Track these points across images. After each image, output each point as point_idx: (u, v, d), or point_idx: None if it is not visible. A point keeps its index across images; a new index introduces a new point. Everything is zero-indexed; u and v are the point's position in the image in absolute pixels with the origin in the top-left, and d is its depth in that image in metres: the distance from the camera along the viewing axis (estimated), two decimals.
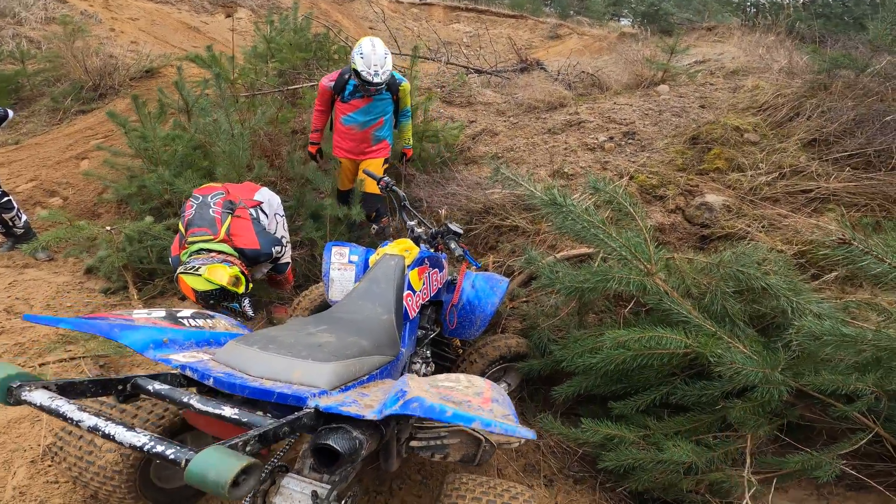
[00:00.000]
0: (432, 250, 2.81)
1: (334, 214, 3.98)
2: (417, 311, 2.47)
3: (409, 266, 2.50)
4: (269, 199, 3.46)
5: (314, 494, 1.70)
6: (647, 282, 2.38)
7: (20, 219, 4.75)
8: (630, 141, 5.26)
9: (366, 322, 2.12)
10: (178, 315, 1.98)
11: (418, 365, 2.44)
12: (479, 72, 8.36)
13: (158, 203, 4.59)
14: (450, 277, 3.01)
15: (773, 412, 2.30)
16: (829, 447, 2.28)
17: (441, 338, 3.13)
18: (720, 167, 4.60)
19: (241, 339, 1.75)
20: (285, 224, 3.57)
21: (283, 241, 3.38)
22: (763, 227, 3.66)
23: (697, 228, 3.80)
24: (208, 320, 2.06)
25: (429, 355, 2.62)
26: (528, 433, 1.23)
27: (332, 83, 3.96)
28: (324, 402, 1.49)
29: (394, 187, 3.08)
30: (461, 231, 2.87)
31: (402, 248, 2.58)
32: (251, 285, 3.12)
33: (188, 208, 3.08)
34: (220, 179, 4.10)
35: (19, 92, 7.75)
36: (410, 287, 2.43)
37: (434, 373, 3.38)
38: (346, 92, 3.94)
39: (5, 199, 4.60)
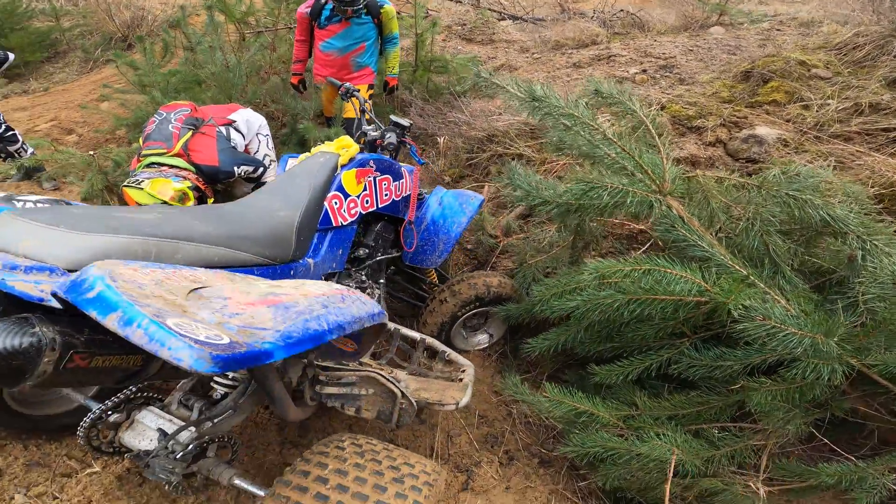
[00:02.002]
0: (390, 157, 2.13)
1: (316, 137, 3.40)
2: (351, 220, 1.82)
3: (343, 166, 1.85)
4: (247, 118, 3.14)
5: (160, 432, 1.37)
6: (655, 200, 1.59)
7: (26, 151, 4.67)
8: (667, 74, 4.25)
9: (248, 215, 1.53)
10: (17, 198, 1.46)
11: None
12: (514, 18, 7.35)
13: None
14: (426, 194, 2.33)
15: (813, 401, 1.49)
16: (880, 456, 1.49)
17: (415, 271, 2.51)
18: (777, 100, 3.57)
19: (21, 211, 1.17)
20: (270, 143, 3.27)
21: (267, 160, 3.13)
22: (829, 164, 2.70)
23: (742, 164, 2.88)
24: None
25: (370, 281, 1.96)
26: (194, 360, 0.66)
27: (309, 9, 3.57)
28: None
29: (355, 93, 2.39)
30: (407, 123, 2.17)
31: (339, 146, 1.92)
32: (211, 201, 2.80)
33: (150, 124, 2.84)
34: (209, 103, 3.82)
35: (55, 46, 7.78)
36: (342, 189, 1.79)
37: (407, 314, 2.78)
38: (323, 17, 3.54)
39: (9, 133, 4.60)
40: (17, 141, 4.55)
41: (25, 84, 7.04)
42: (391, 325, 2.10)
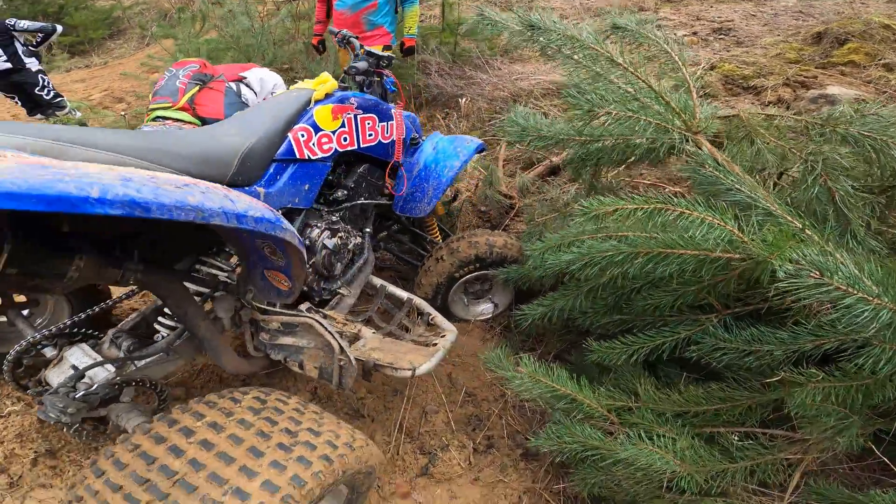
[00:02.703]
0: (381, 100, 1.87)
1: None
2: (323, 155, 1.59)
3: (318, 101, 1.61)
4: (261, 77, 3.00)
5: (73, 368, 1.24)
6: (679, 137, 1.22)
7: (74, 115, 5.06)
8: (721, 37, 3.70)
9: (189, 136, 1.36)
10: None
11: (316, 231, 1.55)
12: None
13: None
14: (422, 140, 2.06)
15: (881, 405, 1.06)
16: None
17: (419, 230, 2.26)
18: (856, 61, 2.98)
19: None
20: None
21: None
22: None
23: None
24: None
25: (347, 225, 1.71)
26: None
27: None
28: None
29: (351, 39, 2.13)
30: (385, 55, 1.91)
31: (317, 83, 1.68)
32: None
33: (160, 80, 2.79)
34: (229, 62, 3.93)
35: (116, 24, 8.18)
36: (314, 124, 1.57)
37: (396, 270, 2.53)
38: None
39: (58, 98, 4.86)
40: (65, 107, 4.80)
41: (87, 59, 7.37)
42: (377, 282, 1.86)
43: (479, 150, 2.02)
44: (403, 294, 1.81)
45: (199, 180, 0.85)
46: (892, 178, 1.27)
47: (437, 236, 2.26)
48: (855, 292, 0.88)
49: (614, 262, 1.18)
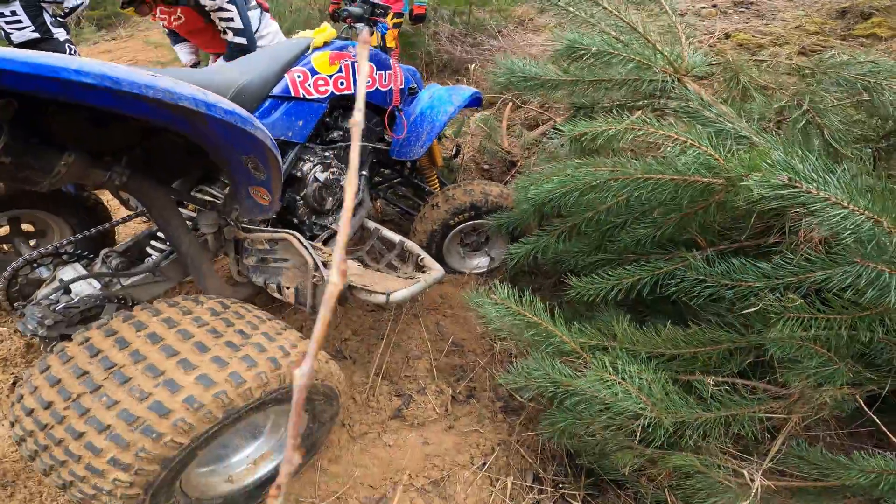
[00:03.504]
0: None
1: None
2: (318, 96, 1.64)
3: (317, 48, 1.66)
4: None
5: (60, 281, 1.27)
6: (662, 76, 1.20)
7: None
8: (742, 10, 3.58)
9: (187, 72, 1.47)
10: None
11: (308, 165, 1.60)
12: None
13: None
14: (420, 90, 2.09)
15: (867, 352, 1.03)
16: None
17: (416, 180, 2.29)
18: (878, 34, 2.87)
19: None
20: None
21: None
22: None
23: None
24: None
25: (341, 165, 1.75)
26: None
27: None
28: None
29: None
30: (379, 3, 1.94)
31: (316, 32, 1.74)
32: None
33: None
34: None
35: None
36: (311, 67, 1.63)
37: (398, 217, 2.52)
38: None
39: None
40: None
41: (114, 32, 7.56)
42: (371, 225, 1.89)
43: (475, 97, 2.04)
44: (396, 237, 1.83)
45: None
46: (893, 124, 1.23)
47: (437, 187, 2.28)
48: (827, 197, 0.86)
49: (593, 187, 1.17)
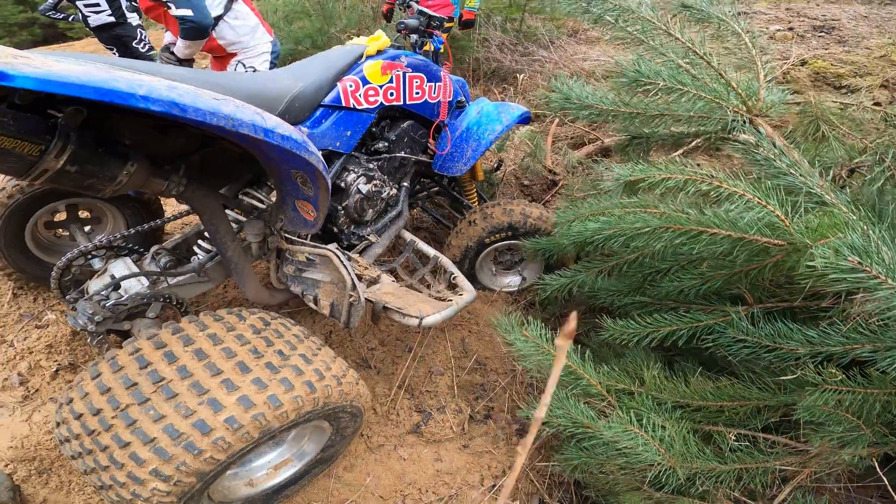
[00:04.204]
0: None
1: None
2: (368, 106, 1.65)
3: (370, 56, 1.66)
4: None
5: (111, 276, 1.32)
6: (734, 116, 1.14)
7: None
8: (821, 34, 3.37)
9: (247, 76, 1.46)
10: None
11: (352, 175, 1.63)
12: None
13: None
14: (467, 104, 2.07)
15: (891, 425, 1.00)
16: None
17: (458, 193, 2.28)
18: None
19: None
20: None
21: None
22: None
23: None
24: None
25: (384, 175, 1.76)
26: None
27: None
28: None
29: (412, 2, 2.15)
30: (437, 15, 1.93)
31: (370, 40, 1.74)
32: None
33: None
34: (309, 27, 4.07)
35: None
36: (362, 76, 1.63)
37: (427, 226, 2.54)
38: None
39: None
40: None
41: None
42: (407, 236, 1.90)
43: (524, 117, 2.00)
44: (431, 251, 1.84)
45: (239, 102, 0.91)
46: None
47: (475, 202, 2.27)
48: (894, 284, 0.80)
49: (642, 234, 1.14)
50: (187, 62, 2.70)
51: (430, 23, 1.92)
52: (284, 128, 0.91)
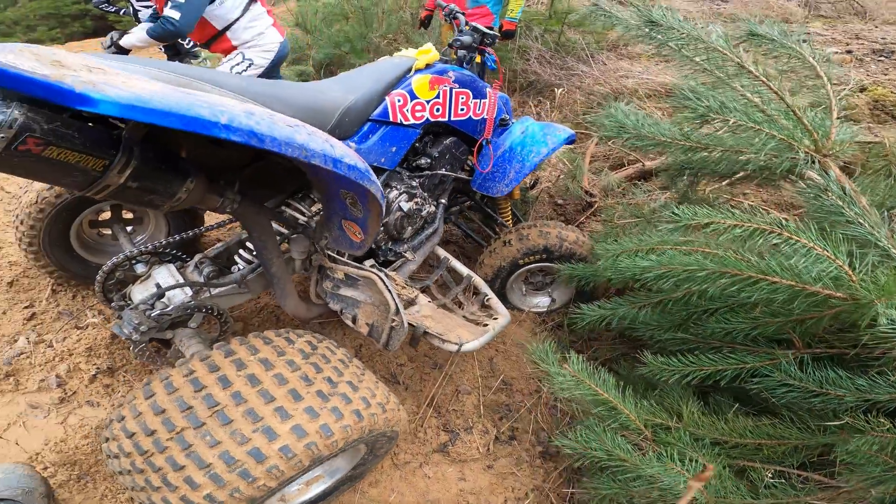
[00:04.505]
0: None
1: None
2: (414, 122, 1.64)
3: (419, 70, 1.65)
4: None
5: (157, 286, 1.32)
6: (806, 158, 1.11)
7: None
8: (881, 59, 3.26)
9: (300, 87, 1.43)
10: None
11: (394, 192, 1.63)
12: None
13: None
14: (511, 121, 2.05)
15: None
16: None
17: (491, 210, 2.26)
18: None
19: None
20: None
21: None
22: None
23: None
24: None
25: (424, 192, 1.76)
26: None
27: None
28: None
29: (458, 14, 2.13)
30: (490, 32, 1.88)
31: (419, 53, 1.73)
32: None
33: None
34: (349, 32, 4.09)
35: None
36: (410, 91, 1.62)
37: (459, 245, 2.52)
38: None
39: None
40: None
41: None
42: (441, 253, 1.90)
43: (569, 140, 1.98)
44: (464, 270, 1.83)
45: (305, 123, 0.91)
46: None
47: (509, 220, 2.26)
48: None
49: (695, 277, 1.11)
50: (125, 51, 2.62)
51: (483, 39, 1.90)
52: (351, 157, 0.91)
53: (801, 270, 0.98)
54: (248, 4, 2.66)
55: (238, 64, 2.70)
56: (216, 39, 2.68)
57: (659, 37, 1.38)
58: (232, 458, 0.88)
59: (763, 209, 1.96)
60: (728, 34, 1.38)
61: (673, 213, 1.07)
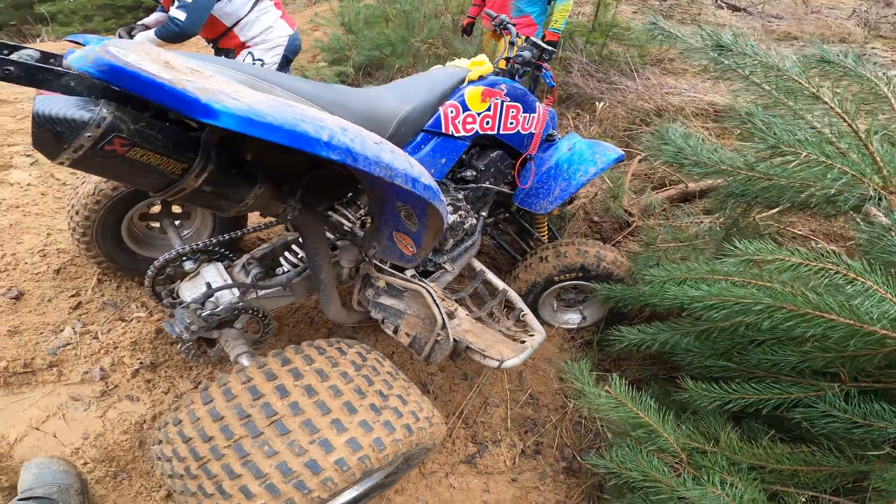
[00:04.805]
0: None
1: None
2: (465, 134, 1.66)
3: (471, 81, 1.67)
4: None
5: (207, 285, 1.35)
6: (874, 193, 1.10)
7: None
8: None
9: (361, 94, 1.44)
10: None
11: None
12: (735, 8, 6.25)
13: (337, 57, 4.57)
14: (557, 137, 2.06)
15: None
16: None
17: (527, 224, 2.26)
18: None
19: None
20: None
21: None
22: None
23: None
24: None
25: (468, 205, 1.77)
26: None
27: None
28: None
29: (508, 25, 2.14)
30: (549, 48, 1.87)
31: (473, 64, 1.74)
32: None
33: None
34: (391, 35, 4.09)
35: None
36: (463, 102, 1.63)
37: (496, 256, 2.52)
38: None
39: None
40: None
41: None
42: (477, 266, 1.91)
43: (619, 160, 1.97)
44: (500, 284, 1.84)
45: (394, 148, 0.92)
46: None
47: (545, 235, 2.26)
48: None
49: (748, 310, 1.10)
50: None
51: (542, 55, 1.90)
52: (426, 177, 0.92)
53: (863, 311, 0.97)
54: (257, 1, 2.63)
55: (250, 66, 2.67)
56: (224, 36, 2.67)
57: (726, 62, 1.36)
58: (289, 469, 0.89)
59: (812, 237, 1.92)
60: (798, 59, 1.36)
61: (736, 247, 1.07)
